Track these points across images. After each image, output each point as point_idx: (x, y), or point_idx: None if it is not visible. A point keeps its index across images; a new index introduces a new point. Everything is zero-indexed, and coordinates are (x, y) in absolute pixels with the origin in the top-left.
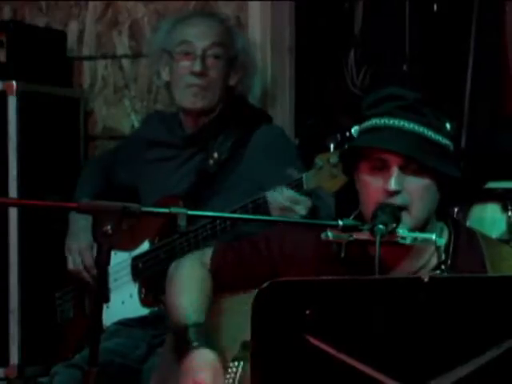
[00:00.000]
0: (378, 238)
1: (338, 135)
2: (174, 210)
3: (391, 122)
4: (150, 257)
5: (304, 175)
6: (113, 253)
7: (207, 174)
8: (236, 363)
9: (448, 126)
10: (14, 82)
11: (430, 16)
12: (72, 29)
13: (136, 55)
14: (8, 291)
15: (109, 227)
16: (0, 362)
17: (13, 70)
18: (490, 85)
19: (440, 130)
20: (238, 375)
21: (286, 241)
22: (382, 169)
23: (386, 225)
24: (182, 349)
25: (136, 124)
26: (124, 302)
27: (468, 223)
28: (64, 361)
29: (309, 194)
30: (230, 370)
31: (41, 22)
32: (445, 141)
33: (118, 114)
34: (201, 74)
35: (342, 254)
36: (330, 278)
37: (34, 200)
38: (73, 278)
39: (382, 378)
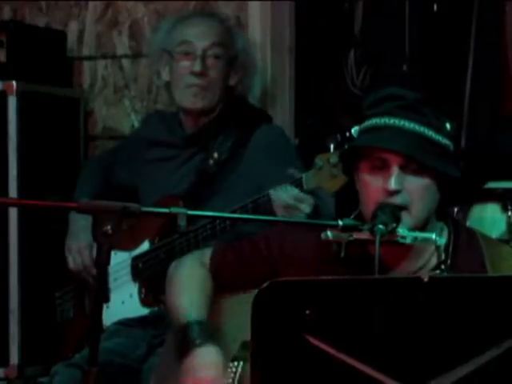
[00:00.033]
0: (377, 238)
1: (338, 135)
2: (174, 210)
3: (391, 121)
4: (150, 257)
5: (304, 175)
6: (113, 253)
7: (207, 174)
8: (236, 363)
9: (448, 125)
10: (14, 82)
11: (430, 16)
12: (72, 29)
13: (136, 55)
14: (8, 291)
15: (109, 227)
16: (0, 362)
17: (13, 70)
18: (489, 85)
19: (440, 129)
20: (237, 375)
21: (286, 241)
22: (382, 168)
23: (385, 225)
24: (184, 348)
25: (136, 124)
26: (124, 301)
27: (468, 223)
28: (64, 360)
29: (309, 193)
30: (229, 370)
31: (41, 21)
32: (445, 141)
33: (118, 114)
34: (201, 74)
35: (342, 254)
36: (329, 277)
37: (34, 200)
38: (73, 278)
39: (382, 378)
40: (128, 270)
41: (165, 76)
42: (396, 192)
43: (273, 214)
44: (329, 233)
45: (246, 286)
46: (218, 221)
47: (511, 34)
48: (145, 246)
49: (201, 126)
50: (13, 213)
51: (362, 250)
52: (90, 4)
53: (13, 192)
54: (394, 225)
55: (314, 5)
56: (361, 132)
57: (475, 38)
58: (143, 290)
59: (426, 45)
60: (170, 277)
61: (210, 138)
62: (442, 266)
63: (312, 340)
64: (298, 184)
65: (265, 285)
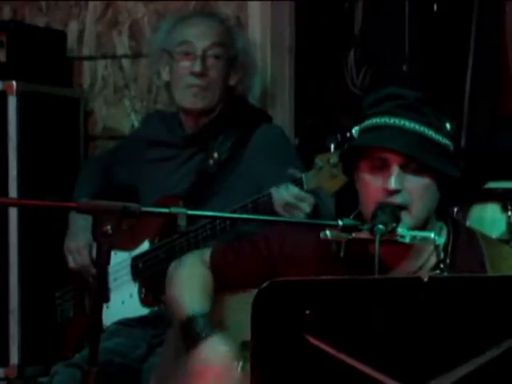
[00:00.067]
0: (377, 238)
1: (338, 135)
2: (174, 210)
3: (392, 120)
4: (150, 256)
5: (304, 175)
6: (113, 252)
7: (207, 174)
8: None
9: (448, 125)
10: (14, 82)
11: (430, 16)
12: (72, 29)
13: (136, 55)
14: (8, 291)
15: (109, 227)
16: (0, 362)
17: (13, 69)
18: (489, 85)
19: (440, 129)
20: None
21: (286, 241)
22: (382, 168)
23: (385, 225)
24: (190, 342)
25: (136, 124)
26: (124, 301)
27: (468, 223)
28: (64, 360)
29: (309, 193)
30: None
31: (41, 21)
32: (445, 141)
33: (118, 114)
34: (201, 75)
35: (342, 254)
36: (329, 277)
37: (34, 200)
38: (73, 278)
39: (382, 378)
40: (128, 269)
41: (165, 76)
42: (396, 191)
43: (273, 212)
44: (328, 232)
45: (245, 286)
46: (217, 221)
47: (511, 34)
48: (145, 245)
49: (201, 126)
50: (13, 213)
51: (361, 250)
52: (90, 4)
53: (13, 192)
54: (394, 225)
55: (314, 5)
56: (361, 132)
57: (475, 38)
58: (143, 290)
59: (426, 45)
60: (170, 276)
61: (210, 138)
62: (441, 266)
63: (312, 340)
64: (298, 184)
65: (265, 285)
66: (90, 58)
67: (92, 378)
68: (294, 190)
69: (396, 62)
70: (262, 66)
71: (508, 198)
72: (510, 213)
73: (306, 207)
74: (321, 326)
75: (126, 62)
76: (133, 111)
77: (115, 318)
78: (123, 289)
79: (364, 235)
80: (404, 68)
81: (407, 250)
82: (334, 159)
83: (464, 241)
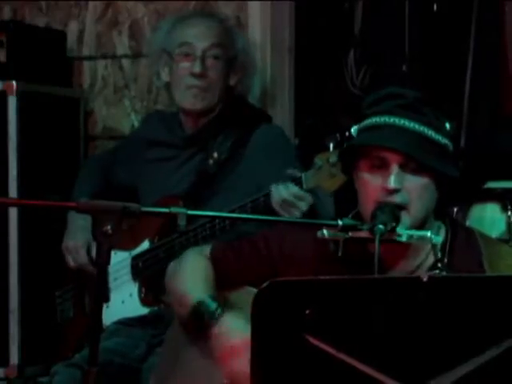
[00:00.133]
0: (377, 238)
1: (338, 135)
2: (173, 209)
3: (391, 120)
4: (150, 256)
5: (303, 175)
6: (113, 252)
7: (207, 174)
8: None
9: (448, 125)
10: (14, 82)
11: (430, 16)
12: (72, 29)
13: (136, 55)
14: (8, 291)
15: (109, 227)
16: (0, 362)
17: (13, 70)
18: (489, 85)
19: (440, 129)
20: None
21: (286, 240)
22: (382, 167)
23: (385, 224)
24: (202, 327)
25: (136, 124)
26: (124, 301)
27: (468, 223)
28: (64, 360)
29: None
30: None
31: (41, 21)
32: (444, 140)
33: (118, 114)
34: (201, 76)
35: (340, 253)
36: (329, 277)
37: (34, 200)
38: (73, 277)
39: (382, 377)
40: (128, 269)
41: (164, 77)
42: (395, 191)
43: (272, 211)
44: (324, 231)
45: (244, 285)
46: (217, 220)
47: (511, 34)
48: (145, 245)
49: (201, 126)
50: (13, 213)
51: (360, 250)
52: (90, 4)
53: (13, 192)
54: (394, 224)
55: (314, 5)
56: (360, 131)
57: (475, 38)
58: (143, 290)
59: (426, 45)
60: (171, 272)
61: (210, 138)
62: (439, 265)
63: (312, 340)
64: (297, 183)
65: (264, 285)
66: (89, 58)
67: (92, 377)
68: (293, 188)
69: (396, 61)
70: (262, 66)
71: (508, 197)
72: (509, 213)
73: (303, 206)
74: (321, 326)
75: (126, 62)
76: (133, 111)
77: (115, 318)
78: (123, 288)
79: (361, 234)
80: (404, 68)
81: (405, 249)
82: (333, 158)
83: (462, 240)
